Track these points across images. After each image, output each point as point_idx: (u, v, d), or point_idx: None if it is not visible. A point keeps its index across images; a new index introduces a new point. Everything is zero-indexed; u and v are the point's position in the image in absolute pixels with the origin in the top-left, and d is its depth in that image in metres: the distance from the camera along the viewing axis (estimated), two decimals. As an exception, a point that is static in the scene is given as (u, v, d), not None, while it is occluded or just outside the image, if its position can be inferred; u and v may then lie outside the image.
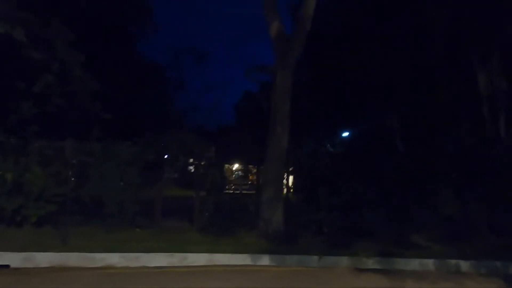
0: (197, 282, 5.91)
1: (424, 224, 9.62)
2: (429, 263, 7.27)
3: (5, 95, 9.18)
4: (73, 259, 6.62)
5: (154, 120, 17.53)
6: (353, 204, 9.59)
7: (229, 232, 8.77)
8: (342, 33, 14.94)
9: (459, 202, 10.04)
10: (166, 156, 10.44)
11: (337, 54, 14.74)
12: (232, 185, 14.39)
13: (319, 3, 9.38)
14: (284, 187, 10.45)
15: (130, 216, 9.00)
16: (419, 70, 13.10)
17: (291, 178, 12.27)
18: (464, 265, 7.27)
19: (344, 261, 7.22)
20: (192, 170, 10.92)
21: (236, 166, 15.94)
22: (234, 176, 15.17)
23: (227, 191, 12.39)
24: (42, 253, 6.63)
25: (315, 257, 7.22)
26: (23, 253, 6.55)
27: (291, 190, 12.01)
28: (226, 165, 13.67)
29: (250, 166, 13.87)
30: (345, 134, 16.68)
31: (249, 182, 13.97)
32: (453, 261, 7.30)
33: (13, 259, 6.44)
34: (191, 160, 10.91)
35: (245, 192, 13.95)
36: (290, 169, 11.75)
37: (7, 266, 6.32)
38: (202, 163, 10.49)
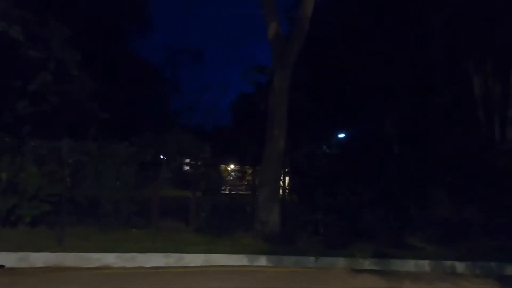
0: (194, 283, 5.89)
1: (420, 226, 9.68)
2: (425, 264, 7.30)
3: (1, 93, 9.09)
4: (69, 259, 6.57)
5: (150, 120, 17.48)
6: (349, 205, 9.63)
7: (225, 232, 8.76)
8: (340, 35, 15.01)
9: (454, 204, 10.13)
10: (162, 156, 10.42)
11: (334, 56, 14.81)
12: (228, 185, 14.37)
13: (317, 4, 9.41)
14: (280, 188, 10.47)
15: (126, 216, 8.96)
16: (416, 72, 13.20)
17: (287, 179, 12.28)
18: (459, 266, 7.32)
19: (341, 262, 7.24)
20: (189, 171, 10.91)
21: (232, 166, 15.90)
22: (230, 176, 15.14)
23: (223, 192, 12.38)
24: (37, 253, 6.57)
25: (312, 258, 7.22)
26: (18, 253, 6.49)
27: (287, 191, 12.02)
28: (222, 166, 13.65)
29: (247, 166, 13.85)
30: (342, 135, 16.75)
31: (245, 183, 13.96)
32: (448, 262, 7.34)
33: (8, 259, 6.38)
34: (188, 160, 10.90)
35: (241, 192, 13.93)
36: (287, 169, 11.77)
37: (1, 266, 6.26)
38: (199, 163, 10.47)
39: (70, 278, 5.91)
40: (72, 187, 8.73)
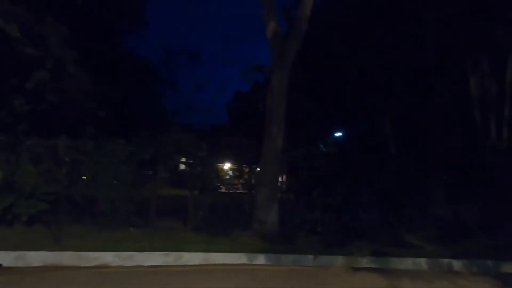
0: (193, 282, 5.86)
1: (417, 224, 9.75)
2: (422, 262, 7.34)
3: (-3, 91, 9.02)
4: (67, 258, 6.52)
5: (148, 119, 17.43)
6: (347, 205, 9.68)
7: (223, 231, 8.74)
8: (338, 35, 15.02)
9: (452, 203, 10.21)
10: (159, 155, 10.36)
11: (332, 55, 14.84)
12: (224, 184, 14.36)
13: (316, 4, 9.42)
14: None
15: (123, 215, 8.91)
16: (413, 72, 13.27)
17: (284, 178, 12.31)
18: (457, 264, 7.37)
19: (339, 260, 7.26)
20: (185, 170, 10.87)
21: (229, 165, 15.89)
22: (227, 175, 15.13)
23: (220, 191, 12.37)
24: (34, 252, 6.51)
25: (311, 257, 7.24)
26: (15, 252, 6.43)
27: (285, 190, 12.04)
28: (219, 165, 13.63)
29: (244, 165, 13.85)
30: (340, 134, 16.79)
31: (243, 182, 13.96)
32: (446, 260, 7.39)
33: (5, 258, 6.31)
34: (186, 159, 10.86)
35: (238, 191, 13.94)
36: (284, 168, 11.79)
37: (-1, 265, 6.20)
38: (197, 163, 10.44)
39: (68, 277, 5.87)
40: (69, 186, 8.66)
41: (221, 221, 9.27)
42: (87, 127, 9.54)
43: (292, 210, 10.02)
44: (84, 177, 9.08)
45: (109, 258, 6.66)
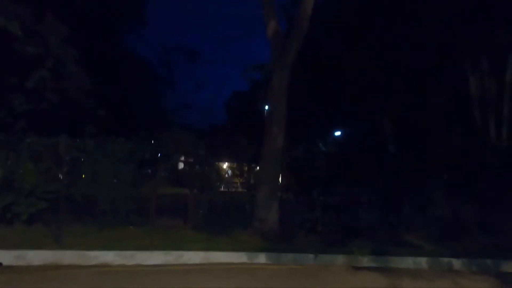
0: (195, 281, 5.86)
1: (417, 224, 9.77)
2: (423, 261, 7.36)
3: (-3, 90, 8.98)
4: (67, 257, 6.51)
5: (147, 118, 17.42)
6: (347, 204, 9.70)
7: (223, 230, 8.75)
8: (338, 34, 15.04)
9: (450, 203, 10.23)
10: (159, 154, 10.36)
11: (332, 55, 14.84)
12: (224, 183, 14.35)
13: (316, 3, 9.40)
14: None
15: (123, 214, 8.91)
16: (412, 73, 13.29)
17: (284, 177, 12.29)
18: (456, 263, 7.39)
19: (339, 259, 7.27)
20: (186, 168, 10.87)
21: (228, 164, 15.88)
22: (226, 174, 15.13)
23: (220, 189, 12.36)
24: (35, 250, 6.50)
25: (311, 256, 7.24)
26: (15, 251, 6.42)
27: (284, 190, 12.03)
28: (219, 164, 13.63)
29: (244, 164, 13.85)
30: (339, 134, 16.81)
31: (243, 181, 13.95)
32: (445, 260, 7.40)
33: (5, 257, 6.30)
34: (185, 158, 10.86)
35: (235, 190, 13.93)
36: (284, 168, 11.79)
37: (-1, 264, 6.19)
38: (196, 162, 10.43)
39: (69, 276, 5.86)
40: (69, 184, 8.65)
41: (221, 219, 9.29)
42: (87, 126, 9.54)
43: (292, 210, 10.03)
44: (84, 176, 9.06)
45: (110, 257, 6.65)
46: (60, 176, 8.55)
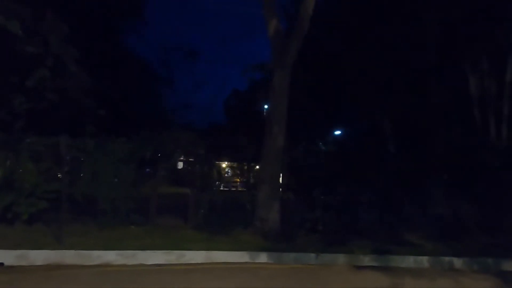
0: (197, 281, 5.85)
1: (417, 223, 9.80)
2: (424, 260, 7.38)
3: (-3, 89, 8.96)
4: (69, 256, 6.50)
5: (147, 118, 17.40)
6: (347, 203, 9.71)
7: (224, 230, 8.75)
8: (337, 34, 15.05)
9: (450, 202, 10.26)
10: (159, 154, 10.35)
11: (332, 56, 14.86)
12: (224, 182, 14.36)
13: (316, 3, 9.40)
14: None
15: (124, 213, 8.90)
16: (412, 73, 13.31)
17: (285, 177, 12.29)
18: (457, 262, 7.41)
19: (341, 258, 7.28)
20: (186, 168, 10.87)
21: (228, 163, 15.89)
22: (226, 173, 15.13)
23: (221, 189, 12.37)
24: (36, 250, 6.49)
25: (312, 255, 7.26)
26: (17, 251, 6.41)
27: (285, 189, 12.03)
28: (219, 163, 13.64)
29: (243, 164, 13.86)
30: (339, 133, 16.83)
31: (244, 180, 13.96)
32: (446, 259, 7.43)
33: (7, 256, 6.29)
34: (186, 157, 10.86)
35: (234, 189, 13.94)
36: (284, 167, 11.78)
37: (1, 264, 6.17)
38: (197, 161, 10.43)
39: (71, 276, 5.85)
40: (69, 184, 8.63)
41: (222, 219, 9.28)
42: (87, 126, 9.51)
43: (292, 209, 10.03)
44: (84, 176, 9.04)
45: (112, 256, 6.64)
46: (60, 175, 8.52)
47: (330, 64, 15.05)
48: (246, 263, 6.97)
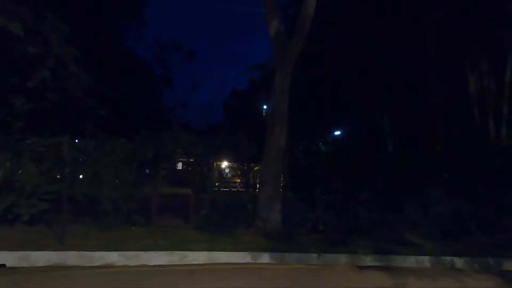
0: (201, 282, 5.84)
1: (418, 222, 9.81)
2: (425, 260, 7.41)
3: (-2, 90, 8.91)
4: (71, 257, 6.49)
5: (147, 118, 17.37)
6: (348, 203, 9.72)
7: (225, 230, 8.75)
8: (337, 34, 15.05)
9: (450, 201, 10.28)
10: (161, 154, 10.32)
11: (332, 56, 14.86)
12: (224, 183, 14.34)
13: (316, 3, 9.39)
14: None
15: (125, 214, 8.88)
16: (412, 72, 13.34)
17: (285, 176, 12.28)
18: (459, 262, 7.44)
19: (343, 258, 7.30)
20: (187, 168, 10.85)
21: (228, 164, 15.88)
22: (227, 174, 15.11)
23: (222, 189, 12.36)
24: (38, 252, 6.47)
25: (314, 255, 7.27)
26: (19, 252, 6.38)
27: (285, 189, 12.02)
28: (219, 163, 13.63)
29: (244, 164, 13.86)
30: (339, 133, 16.84)
31: (244, 180, 13.97)
32: (448, 258, 7.46)
33: (9, 258, 6.27)
34: (186, 158, 10.84)
35: (234, 189, 13.94)
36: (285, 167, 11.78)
37: (3, 266, 6.14)
38: (197, 161, 10.42)
39: (74, 277, 5.83)
40: (70, 185, 8.60)
41: (223, 219, 9.26)
42: (88, 126, 9.48)
43: (293, 209, 10.03)
44: (85, 176, 9.01)
45: (114, 257, 6.63)
46: (59, 176, 8.50)
47: (330, 63, 15.06)
48: (248, 263, 6.97)
